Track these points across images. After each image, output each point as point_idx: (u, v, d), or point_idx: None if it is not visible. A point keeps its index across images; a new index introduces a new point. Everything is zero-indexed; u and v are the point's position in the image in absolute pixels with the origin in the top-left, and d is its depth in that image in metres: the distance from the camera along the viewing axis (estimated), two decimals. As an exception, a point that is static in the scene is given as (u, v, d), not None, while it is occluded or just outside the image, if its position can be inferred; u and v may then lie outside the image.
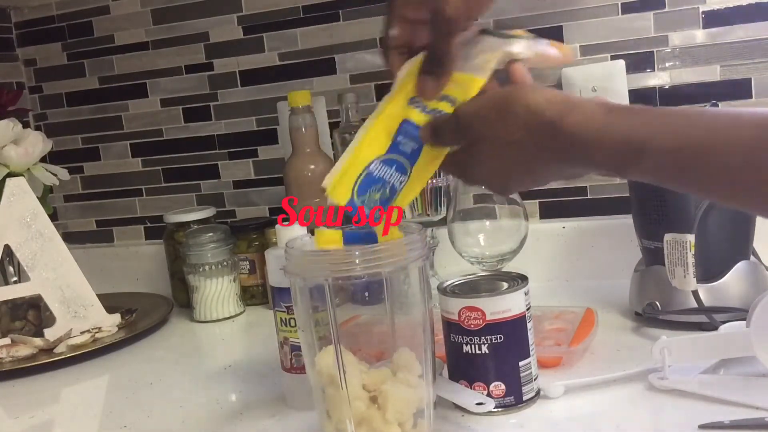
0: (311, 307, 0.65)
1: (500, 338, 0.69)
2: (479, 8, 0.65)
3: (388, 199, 0.64)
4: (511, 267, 1.03)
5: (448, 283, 0.75)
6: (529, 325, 0.72)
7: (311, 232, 0.68)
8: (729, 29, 1.06)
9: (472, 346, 0.70)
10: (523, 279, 0.73)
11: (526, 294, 0.71)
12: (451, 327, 0.72)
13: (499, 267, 1.01)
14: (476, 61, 0.64)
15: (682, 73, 1.09)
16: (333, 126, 1.21)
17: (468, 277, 0.77)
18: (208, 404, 0.85)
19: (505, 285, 0.72)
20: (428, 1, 0.63)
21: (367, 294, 0.68)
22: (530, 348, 0.72)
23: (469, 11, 0.63)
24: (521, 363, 0.71)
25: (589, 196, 1.16)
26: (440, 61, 0.64)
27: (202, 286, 1.18)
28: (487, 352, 0.70)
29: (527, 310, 0.71)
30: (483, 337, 0.70)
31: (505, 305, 0.70)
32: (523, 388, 0.71)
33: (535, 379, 0.73)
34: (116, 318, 1.15)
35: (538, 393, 0.73)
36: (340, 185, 0.64)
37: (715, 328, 0.80)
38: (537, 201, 1.18)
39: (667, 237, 0.88)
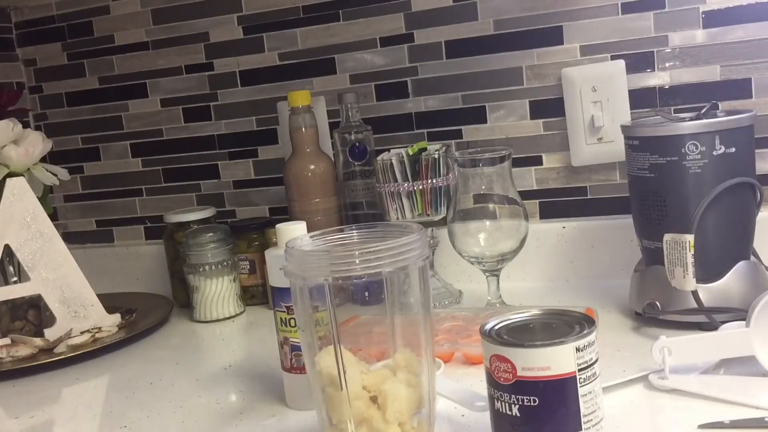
0: (311, 307, 0.65)
1: (534, 401, 0.56)
2: None
3: None
4: (511, 268, 1.03)
5: (497, 321, 0.62)
6: (582, 390, 0.56)
7: None
8: (729, 29, 1.06)
9: (503, 403, 0.58)
10: (584, 327, 0.58)
11: (580, 350, 0.56)
12: (486, 375, 0.60)
13: (499, 267, 1.01)
14: None
15: (682, 73, 1.09)
16: (333, 126, 1.21)
17: (525, 315, 0.63)
18: (208, 404, 0.85)
19: (560, 333, 0.59)
20: None
21: (367, 294, 0.68)
22: (581, 420, 0.57)
23: None
24: None
25: (589, 196, 1.16)
26: None
27: (202, 286, 1.18)
28: (518, 414, 0.57)
29: (582, 369, 0.56)
30: (513, 396, 0.57)
31: (542, 361, 0.56)
32: None
33: None
34: (116, 318, 1.15)
35: None
36: None
37: (715, 328, 0.80)
38: (537, 201, 1.18)
39: (667, 237, 0.87)
